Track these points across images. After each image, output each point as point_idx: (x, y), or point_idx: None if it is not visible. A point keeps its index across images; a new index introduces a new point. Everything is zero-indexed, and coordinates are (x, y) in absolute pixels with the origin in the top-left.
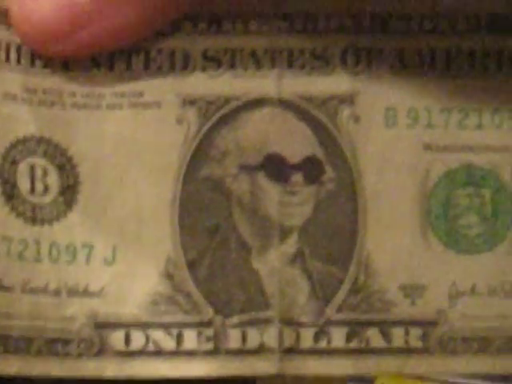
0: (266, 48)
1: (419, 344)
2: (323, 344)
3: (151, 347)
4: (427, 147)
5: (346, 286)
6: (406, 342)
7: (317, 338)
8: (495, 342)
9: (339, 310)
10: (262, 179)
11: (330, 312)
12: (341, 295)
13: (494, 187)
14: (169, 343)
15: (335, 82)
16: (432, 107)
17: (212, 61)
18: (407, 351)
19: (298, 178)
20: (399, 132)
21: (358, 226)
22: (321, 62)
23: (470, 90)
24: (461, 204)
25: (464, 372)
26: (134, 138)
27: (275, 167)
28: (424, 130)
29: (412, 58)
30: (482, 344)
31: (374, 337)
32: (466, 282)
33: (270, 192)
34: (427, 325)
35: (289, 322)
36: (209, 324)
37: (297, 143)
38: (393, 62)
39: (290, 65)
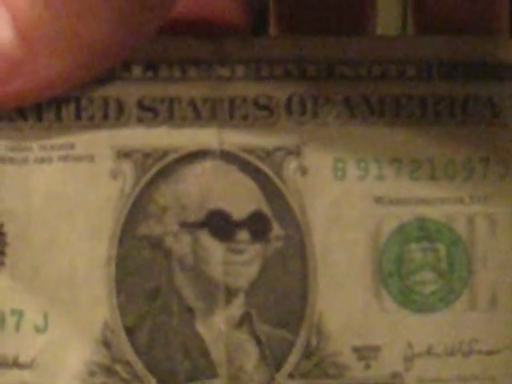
0: (205, 97)
1: None
2: None
3: None
4: (378, 200)
5: (297, 351)
6: None
7: None
8: None
9: (291, 376)
10: (204, 237)
11: (281, 379)
12: (292, 360)
13: (448, 241)
14: None
15: (280, 133)
16: (382, 158)
17: (148, 110)
18: None
19: (243, 235)
20: (349, 185)
21: (308, 285)
22: (264, 111)
23: (422, 140)
24: (414, 260)
25: None
26: (64, 193)
27: (219, 224)
28: (374, 182)
29: (360, 105)
30: None
31: None
32: (421, 342)
33: (214, 251)
34: None
35: None
36: None
37: (241, 198)
38: (340, 111)
39: (232, 115)
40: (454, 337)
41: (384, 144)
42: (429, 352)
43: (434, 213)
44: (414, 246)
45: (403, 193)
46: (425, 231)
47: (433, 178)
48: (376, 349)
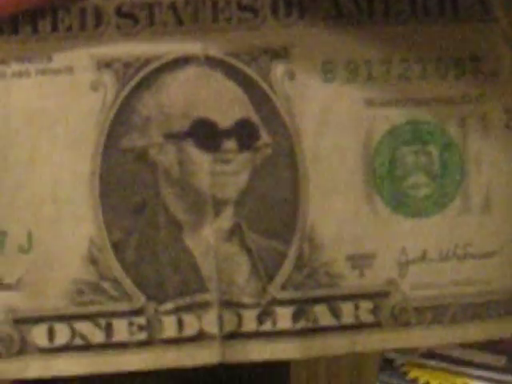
0: (187, 0)
1: (370, 318)
2: (268, 326)
3: (78, 341)
4: (369, 103)
5: (289, 261)
6: (357, 317)
7: (260, 319)
8: (450, 311)
9: (284, 287)
10: (190, 148)
11: (274, 290)
12: (285, 271)
13: (441, 143)
14: (97, 336)
15: (266, 36)
16: (372, 59)
17: (127, 17)
18: (358, 327)
19: (230, 144)
20: (338, 87)
21: (299, 194)
22: (249, 13)
23: (412, 39)
24: (407, 163)
25: (418, 345)
26: (44, 108)
27: (204, 134)
28: (364, 83)
29: (348, 4)
30: (435, 314)
31: (323, 314)
32: (416, 248)
33: (200, 162)
34: (378, 297)
35: (229, 304)
36: (140, 312)
37: (227, 105)
38: (328, 11)
39: (215, 18)
40: (449, 241)
41: (373, 44)
42: (423, 257)
43: (425, 114)
44: (406, 148)
45: (394, 94)
46: (417, 133)
47: (423, 77)
48: (370, 256)
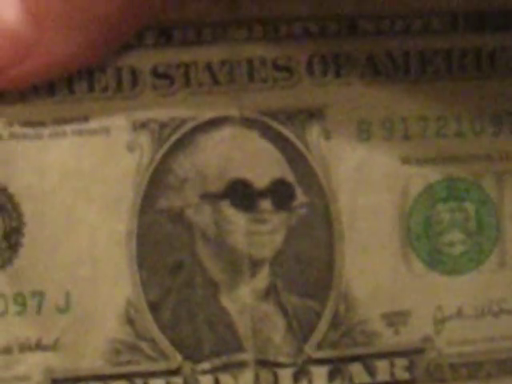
0: (222, 60)
1: (405, 375)
2: None
3: None
4: (405, 160)
5: (325, 321)
6: (392, 374)
7: (296, 378)
8: (485, 367)
9: (319, 346)
10: (226, 208)
11: (310, 350)
12: (320, 330)
13: (477, 200)
14: None
15: (302, 95)
16: (408, 116)
17: (163, 78)
18: None
19: (266, 204)
20: (374, 145)
21: (334, 253)
22: (284, 72)
23: (448, 95)
24: (443, 220)
25: None
26: (80, 169)
27: (240, 194)
28: (401, 141)
29: (384, 62)
30: (471, 370)
31: (358, 373)
32: (451, 304)
33: (237, 222)
34: (413, 354)
35: (265, 363)
36: (177, 372)
37: (263, 165)
38: (363, 69)
39: (251, 78)
40: (484, 297)
41: (409, 101)
42: (459, 314)
43: (462, 171)
44: (442, 206)
45: (430, 151)
46: (453, 191)
47: (460, 134)
48: (406, 314)
